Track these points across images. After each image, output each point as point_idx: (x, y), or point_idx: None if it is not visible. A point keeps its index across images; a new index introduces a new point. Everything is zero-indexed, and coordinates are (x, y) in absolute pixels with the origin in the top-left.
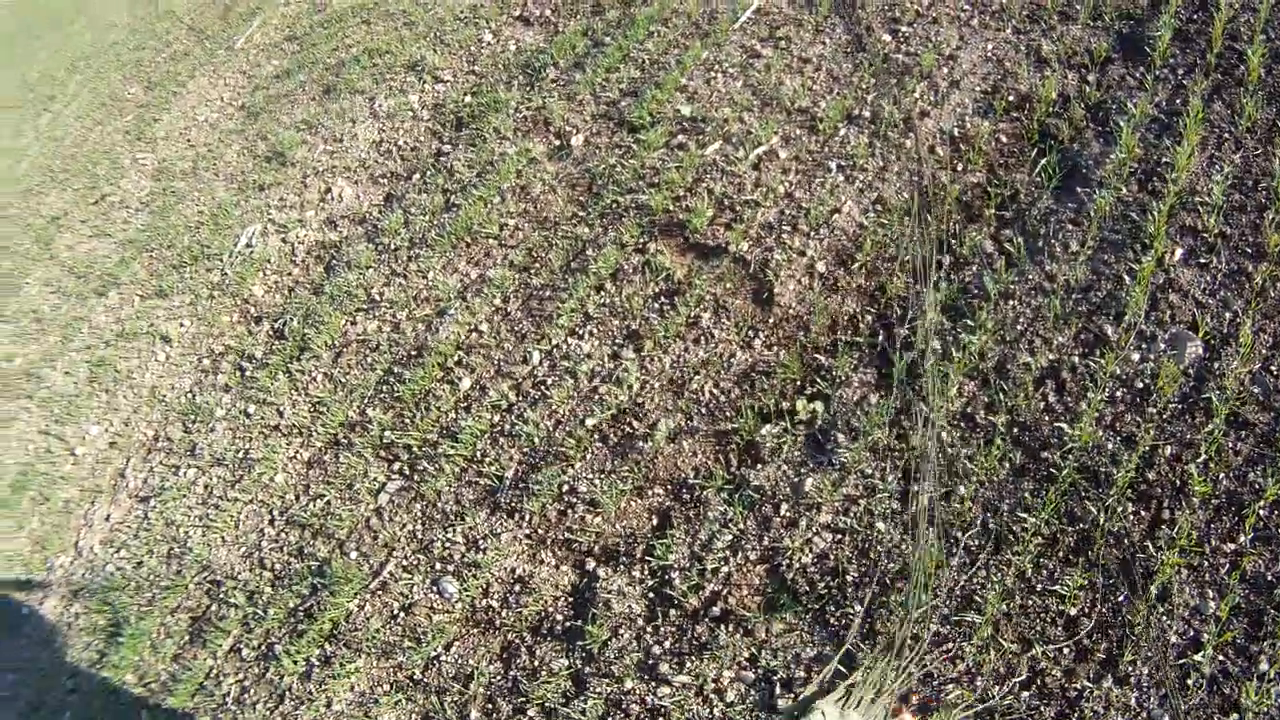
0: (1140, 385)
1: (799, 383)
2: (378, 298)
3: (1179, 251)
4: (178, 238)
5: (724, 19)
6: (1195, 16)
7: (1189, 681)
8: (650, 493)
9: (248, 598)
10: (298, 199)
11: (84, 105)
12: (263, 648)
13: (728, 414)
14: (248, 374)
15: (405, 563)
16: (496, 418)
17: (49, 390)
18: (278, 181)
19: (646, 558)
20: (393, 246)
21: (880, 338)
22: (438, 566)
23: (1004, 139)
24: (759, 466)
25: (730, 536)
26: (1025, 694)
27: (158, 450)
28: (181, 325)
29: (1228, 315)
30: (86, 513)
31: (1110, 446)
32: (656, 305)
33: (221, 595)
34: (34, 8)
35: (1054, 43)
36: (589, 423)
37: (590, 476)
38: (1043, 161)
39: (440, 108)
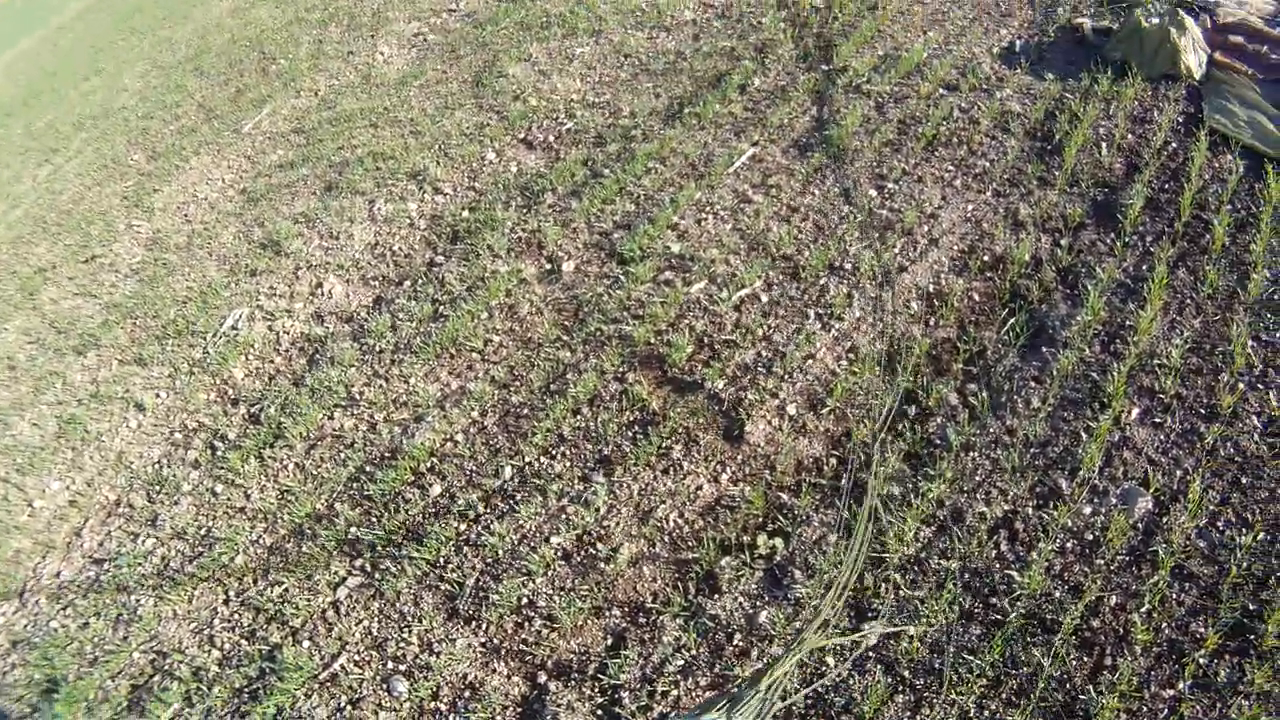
0: (1090, 537)
1: (761, 519)
2: (357, 396)
3: (1135, 411)
4: (164, 309)
5: (720, 162)
6: (1167, 186)
7: None
8: (608, 613)
9: (193, 673)
10: (288, 289)
11: (85, 163)
12: None
13: (690, 544)
14: (219, 453)
15: (357, 657)
16: (463, 526)
17: (13, 439)
18: (270, 269)
19: (598, 675)
20: (377, 348)
21: (843, 481)
22: (390, 665)
23: (976, 297)
24: (716, 596)
25: (682, 661)
26: None
27: (118, 515)
28: (157, 396)
29: (1179, 473)
30: (36, 566)
31: (1058, 594)
32: (630, 433)
33: (166, 667)
34: (54, 60)
35: (1031, 207)
36: (554, 540)
37: (550, 592)
38: (1011, 321)
39: (438, 219)
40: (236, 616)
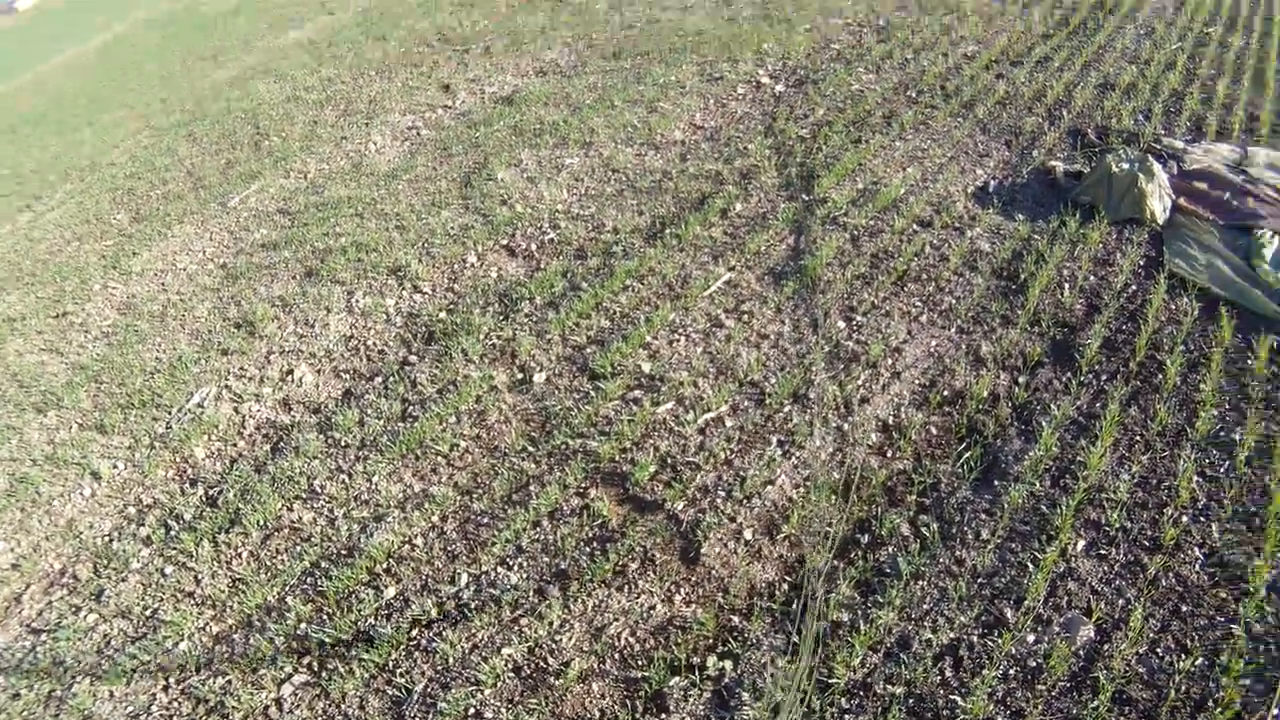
0: (1033, 664)
1: (712, 640)
2: (319, 490)
3: (1081, 543)
4: (131, 378)
5: (696, 285)
6: (1125, 326)
7: None
8: None
9: None
10: (258, 373)
11: (67, 215)
12: None
13: (640, 662)
14: (172, 533)
15: None
16: (415, 631)
17: None
18: (242, 350)
19: None
20: (343, 443)
21: (795, 606)
22: None
23: (934, 430)
24: (663, 715)
25: None
26: None
27: (61, 586)
28: (115, 466)
29: (1121, 602)
30: None
31: None
32: (588, 549)
33: None
34: (44, 103)
35: (993, 344)
36: (505, 651)
37: (498, 704)
38: (966, 455)
39: (415, 317)
40: (175, 705)
